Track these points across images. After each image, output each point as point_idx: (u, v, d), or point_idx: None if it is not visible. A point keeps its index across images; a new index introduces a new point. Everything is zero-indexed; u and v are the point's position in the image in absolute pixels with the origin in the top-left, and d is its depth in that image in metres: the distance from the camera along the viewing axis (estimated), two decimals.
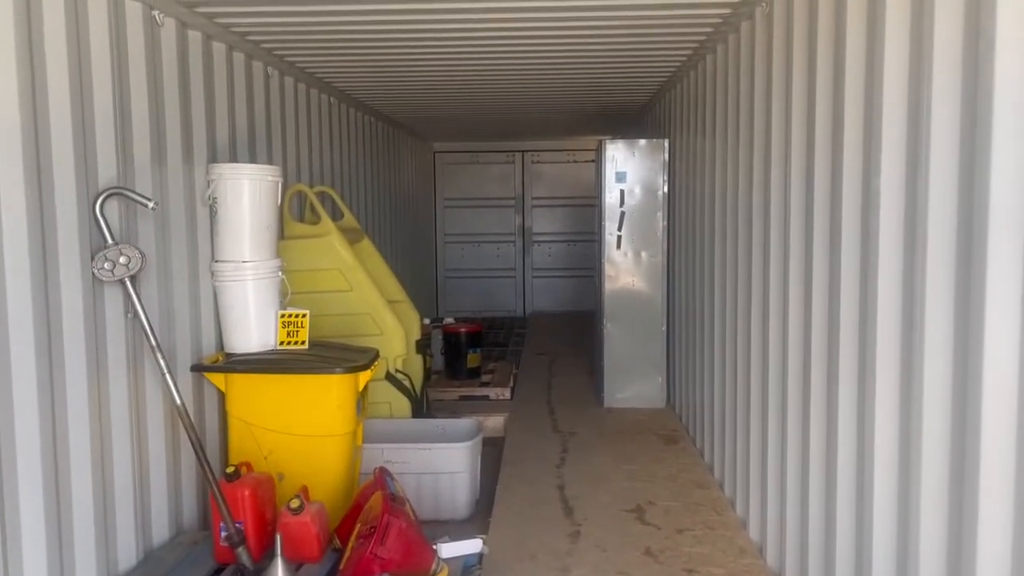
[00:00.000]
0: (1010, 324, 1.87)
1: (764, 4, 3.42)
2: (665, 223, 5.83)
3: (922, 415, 2.17)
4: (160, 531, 3.40)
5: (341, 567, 3.04)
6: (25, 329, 2.59)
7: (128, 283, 3.05)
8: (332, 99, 5.94)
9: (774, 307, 3.36)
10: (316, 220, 4.79)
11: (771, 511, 3.39)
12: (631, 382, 5.98)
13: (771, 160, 3.36)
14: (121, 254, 2.98)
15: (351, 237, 4.97)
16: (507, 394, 6.30)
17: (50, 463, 2.70)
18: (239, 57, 4.24)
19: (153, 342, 3.13)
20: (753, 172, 3.64)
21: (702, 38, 4.36)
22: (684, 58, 4.92)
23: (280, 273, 3.89)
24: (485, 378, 6.62)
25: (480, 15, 3.88)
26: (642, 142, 5.86)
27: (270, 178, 3.82)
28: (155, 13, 3.37)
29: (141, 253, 3.05)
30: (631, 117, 7.95)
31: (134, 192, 3.10)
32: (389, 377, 4.72)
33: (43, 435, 2.66)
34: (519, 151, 10.95)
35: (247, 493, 3.14)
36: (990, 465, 1.92)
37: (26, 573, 2.59)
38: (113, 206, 3.08)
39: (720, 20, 3.97)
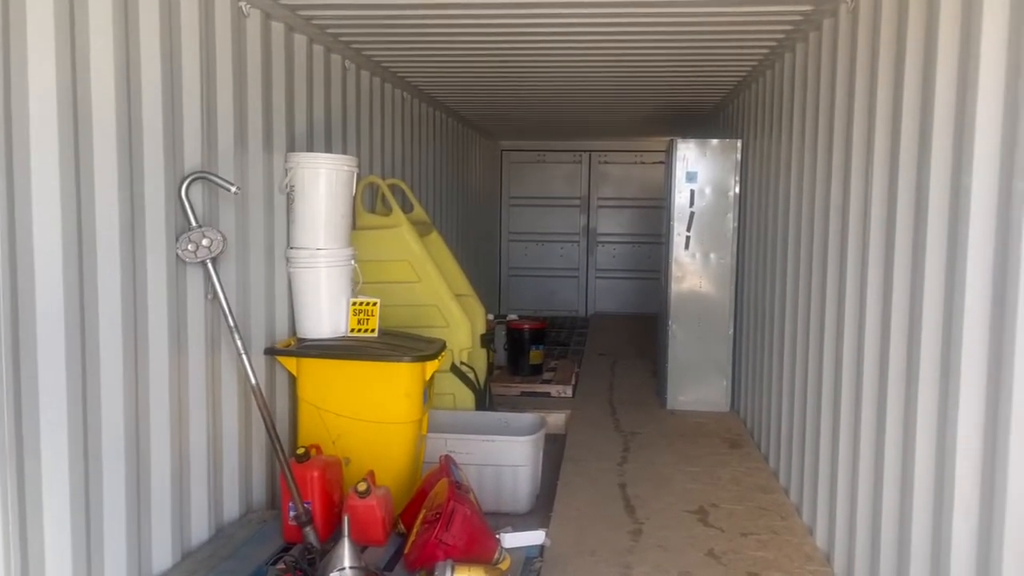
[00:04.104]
0: None
1: (849, 0, 3.34)
2: (735, 225, 5.75)
3: (1010, 420, 2.09)
4: (231, 508, 3.49)
5: (406, 551, 3.09)
6: (114, 303, 2.70)
7: (209, 265, 3.14)
8: (405, 94, 6.02)
9: (850, 311, 3.27)
10: (387, 212, 4.86)
11: (840, 518, 3.31)
12: (695, 385, 5.91)
13: (851, 161, 3.28)
14: (204, 236, 3.08)
15: (421, 230, 5.02)
16: (569, 392, 6.29)
17: (132, 438, 2.80)
18: (319, 50, 4.33)
19: (231, 323, 3.22)
20: (832, 175, 3.56)
21: (781, 36, 4.28)
22: (761, 56, 4.84)
23: (353, 262, 3.96)
24: (547, 375, 6.62)
25: (551, 10, 3.88)
26: (714, 142, 5.78)
27: (346, 168, 3.89)
28: (242, 4, 3.46)
29: (223, 236, 3.14)
30: (702, 117, 7.85)
31: (218, 176, 3.19)
32: (454, 369, 4.76)
33: (127, 410, 2.76)
34: (586, 151, 10.91)
35: (316, 475, 3.21)
36: None
37: (106, 543, 2.69)
38: (197, 190, 3.17)
39: (801, 17, 3.89)
